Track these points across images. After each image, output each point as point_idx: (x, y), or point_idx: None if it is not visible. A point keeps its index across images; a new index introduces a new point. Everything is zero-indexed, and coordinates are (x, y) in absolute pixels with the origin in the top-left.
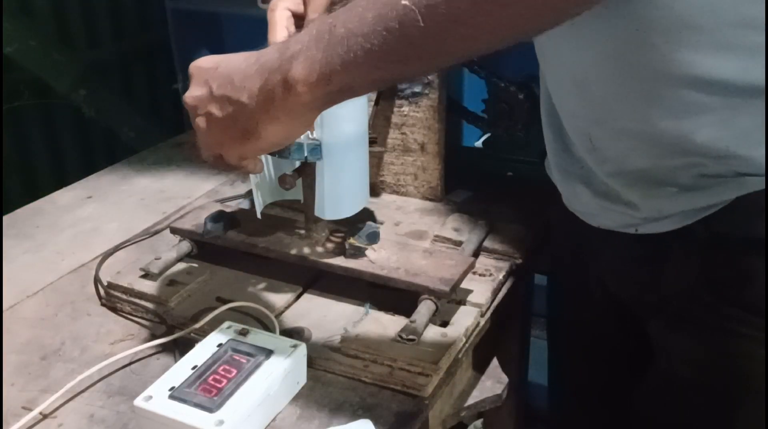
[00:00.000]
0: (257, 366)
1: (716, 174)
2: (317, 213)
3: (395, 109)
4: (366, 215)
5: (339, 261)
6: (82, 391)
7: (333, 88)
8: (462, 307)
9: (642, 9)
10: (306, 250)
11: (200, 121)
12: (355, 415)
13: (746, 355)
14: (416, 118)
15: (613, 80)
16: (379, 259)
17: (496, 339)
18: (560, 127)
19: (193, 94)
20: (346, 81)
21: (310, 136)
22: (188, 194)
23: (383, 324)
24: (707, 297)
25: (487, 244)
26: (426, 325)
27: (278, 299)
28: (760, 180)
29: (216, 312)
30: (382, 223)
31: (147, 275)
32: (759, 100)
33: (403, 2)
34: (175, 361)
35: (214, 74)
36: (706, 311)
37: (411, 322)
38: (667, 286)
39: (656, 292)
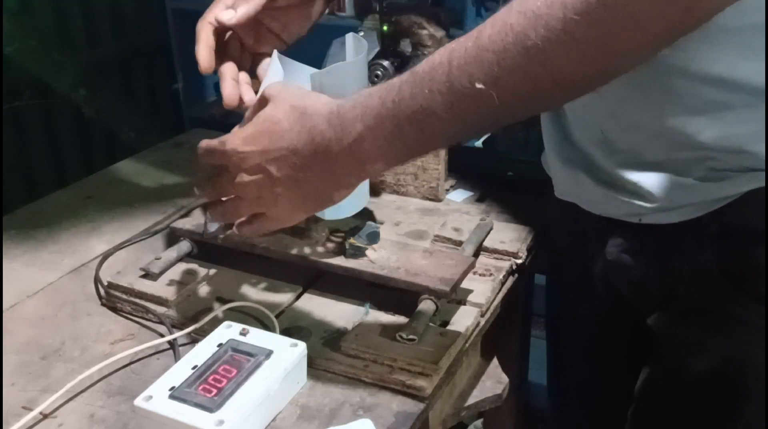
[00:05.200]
0: (257, 366)
1: (728, 168)
2: (317, 213)
3: None
4: (366, 215)
5: (339, 261)
6: (83, 391)
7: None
8: (462, 307)
9: None
10: (306, 250)
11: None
12: (355, 415)
13: (762, 346)
14: None
15: (631, 75)
16: (379, 259)
17: (496, 339)
18: (561, 116)
19: (245, 164)
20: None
21: None
22: (188, 194)
23: (383, 324)
24: (723, 289)
25: (487, 244)
26: (426, 325)
27: (278, 299)
28: None
29: (216, 312)
30: (382, 223)
31: (147, 275)
32: None
33: (478, 86)
34: (175, 361)
35: (274, 158)
36: (721, 303)
37: (411, 322)
38: (679, 279)
39: (663, 285)
